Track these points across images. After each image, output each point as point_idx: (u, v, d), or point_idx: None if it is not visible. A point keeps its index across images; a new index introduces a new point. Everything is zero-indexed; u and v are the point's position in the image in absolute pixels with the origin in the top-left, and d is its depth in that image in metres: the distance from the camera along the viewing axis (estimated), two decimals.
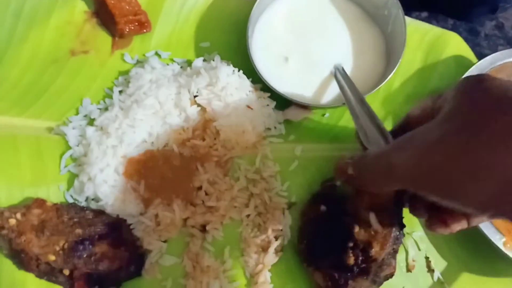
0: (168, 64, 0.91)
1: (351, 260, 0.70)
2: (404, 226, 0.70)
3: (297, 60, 0.89)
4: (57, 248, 0.71)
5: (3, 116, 0.81)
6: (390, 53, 0.90)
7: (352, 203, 0.72)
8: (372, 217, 0.70)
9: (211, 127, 0.85)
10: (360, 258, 0.70)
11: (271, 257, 0.78)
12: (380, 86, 0.84)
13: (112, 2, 0.89)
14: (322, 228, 0.75)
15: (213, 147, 0.85)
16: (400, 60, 0.84)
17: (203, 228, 0.81)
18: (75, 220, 0.74)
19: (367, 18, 0.93)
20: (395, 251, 0.71)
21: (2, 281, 0.71)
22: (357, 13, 0.93)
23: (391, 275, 0.72)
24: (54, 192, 0.78)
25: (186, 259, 0.78)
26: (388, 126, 0.88)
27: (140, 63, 0.92)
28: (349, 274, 0.71)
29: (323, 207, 0.76)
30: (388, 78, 0.84)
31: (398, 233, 0.70)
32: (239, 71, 0.87)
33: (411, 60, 0.93)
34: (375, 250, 0.69)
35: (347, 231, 0.71)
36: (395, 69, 0.84)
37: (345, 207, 0.73)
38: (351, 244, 0.70)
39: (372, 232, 0.70)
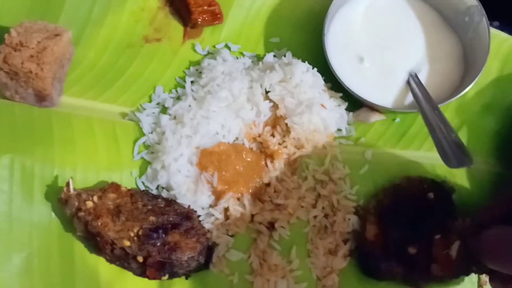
0: (238, 58, 0.91)
1: (412, 251, 0.72)
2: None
3: (373, 62, 0.87)
4: (132, 234, 0.70)
5: (79, 98, 0.81)
6: (468, 62, 0.88)
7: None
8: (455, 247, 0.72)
9: (282, 123, 0.84)
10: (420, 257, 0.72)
11: (340, 261, 0.77)
12: (458, 96, 0.82)
13: None
14: (413, 211, 0.75)
15: (282, 144, 0.84)
16: (482, 70, 0.83)
17: (270, 226, 0.80)
18: (149, 207, 0.74)
19: (445, 24, 0.91)
20: None
21: (76, 263, 0.71)
22: (435, 18, 0.91)
23: None
24: (126, 178, 0.78)
25: (253, 255, 0.77)
26: (463, 136, 0.87)
27: (210, 54, 0.91)
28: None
29: (431, 194, 0.76)
30: (469, 87, 0.83)
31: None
32: (313, 68, 0.86)
33: (487, 69, 0.90)
34: (436, 268, 0.72)
35: (430, 232, 0.73)
36: (477, 78, 0.83)
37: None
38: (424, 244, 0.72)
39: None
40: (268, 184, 0.82)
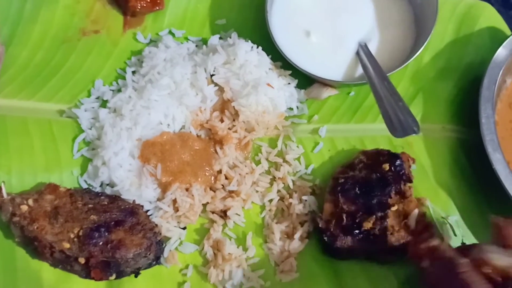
0: (182, 43, 0.87)
1: (367, 225, 0.69)
2: None
3: (320, 35, 0.83)
4: (72, 236, 0.67)
5: (12, 100, 0.78)
6: (419, 26, 0.83)
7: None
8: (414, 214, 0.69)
9: (230, 107, 0.80)
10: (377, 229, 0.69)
11: (297, 244, 0.73)
12: (409, 61, 0.79)
13: None
14: (366, 183, 0.72)
15: (232, 129, 0.80)
16: (431, 33, 0.79)
17: (224, 214, 0.76)
18: (90, 206, 0.70)
19: None
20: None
21: (18, 270, 0.68)
22: None
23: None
24: (67, 178, 0.75)
25: (207, 246, 0.73)
26: (419, 104, 0.83)
27: (153, 42, 0.87)
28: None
29: (386, 165, 0.73)
30: (418, 52, 0.79)
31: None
32: (258, 47, 0.82)
33: (442, 33, 0.87)
34: (396, 236, 0.69)
35: (384, 204, 0.70)
36: (426, 42, 0.79)
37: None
38: (380, 214, 0.70)
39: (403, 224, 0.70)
40: (219, 172, 0.78)
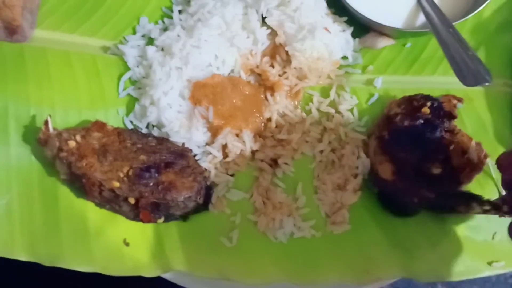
0: None
1: (437, 171, 0.65)
2: None
3: None
4: (121, 175, 0.64)
5: (54, 32, 0.73)
6: None
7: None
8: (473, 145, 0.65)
9: (281, 53, 0.76)
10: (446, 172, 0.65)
11: (350, 196, 0.71)
12: (473, 13, 0.74)
13: None
14: (415, 131, 0.68)
15: (283, 75, 0.77)
16: None
17: (273, 163, 0.73)
18: (139, 146, 0.67)
19: None
20: None
21: (60, 209, 0.65)
22: None
23: None
24: (112, 117, 0.71)
25: (256, 194, 0.71)
26: (481, 57, 0.79)
27: None
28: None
29: (426, 109, 0.68)
30: (483, 6, 0.74)
31: None
32: None
33: None
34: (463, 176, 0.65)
35: (442, 145, 0.66)
36: None
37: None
38: (441, 158, 0.65)
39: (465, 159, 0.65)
40: (269, 119, 0.75)
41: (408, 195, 0.67)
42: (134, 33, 0.76)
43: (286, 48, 0.75)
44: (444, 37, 0.71)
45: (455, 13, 0.77)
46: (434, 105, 0.69)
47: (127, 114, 0.72)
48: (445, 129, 0.68)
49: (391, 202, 0.70)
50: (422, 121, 0.68)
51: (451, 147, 0.66)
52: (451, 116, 0.69)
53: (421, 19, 0.77)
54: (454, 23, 0.73)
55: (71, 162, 0.63)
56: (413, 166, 0.67)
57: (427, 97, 0.70)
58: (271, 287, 0.66)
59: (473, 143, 0.66)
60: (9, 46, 0.69)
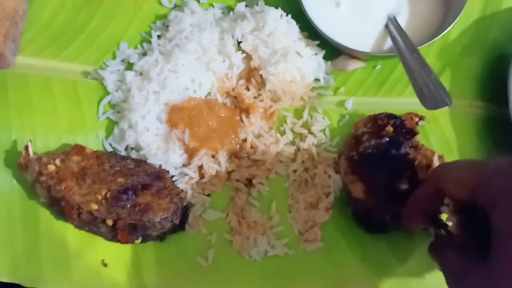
0: (207, 9, 0.85)
1: (404, 186, 0.68)
2: None
3: (350, 6, 0.82)
4: (99, 197, 0.66)
5: (36, 58, 0.76)
6: (449, 2, 0.83)
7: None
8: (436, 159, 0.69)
9: (256, 76, 0.79)
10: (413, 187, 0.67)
11: (322, 214, 0.73)
12: (440, 35, 0.78)
13: None
14: (381, 150, 0.71)
15: (258, 98, 0.80)
16: (463, 10, 0.78)
17: (248, 183, 0.76)
18: (117, 168, 0.69)
19: None
20: None
21: (41, 232, 0.67)
22: None
23: None
24: (92, 140, 0.73)
25: (232, 213, 0.73)
26: (446, 79, 0.83)
27: (178, 7, 0.85)
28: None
29: (389, 128, 0.72)
30: (449, 27, 0.78)
31: None
32: (287, 15, 0.81)
33: (469, 9, 0.85)
34: None
35: (407, 161, 0.70)
36: (456, 20, 0.78)
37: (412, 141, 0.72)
38: (408, 174, 0.69)
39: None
40: (244, 140, 0.78)
41: (380, 212, 0.70)
42: (114, 58, 0.79)
43: (260, 72, 0.78)
44: (409, 61, 0.74)
45: (422, 37, 0.81)
46: (397, 123, 0.73)
47: (107, 137, 0.74)
48: (409, 145, 0.71)
49: (365, 220, 0.73)
50: (387, 139, 0.72)
51: (416, 162, 0.70)
52: (413, 133, 0.72)
53: (389, 43, 0.80)
54: (420, 47, 0.77)
55: (51, 185, 0.66)
56: (383, 184, 0.70)
57: (390, 115, 0.74)
58: None
59: (435, 156, 0.69)
60: None
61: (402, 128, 0.72)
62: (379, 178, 0.71)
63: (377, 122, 0.74)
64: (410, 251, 0.71)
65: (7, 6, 0.69)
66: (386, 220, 0.70)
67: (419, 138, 0.73)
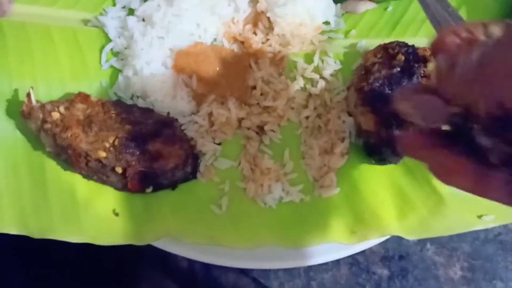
0: None
1: None
2: None
3: None
4: (107, 145, 0.64)
5: (33, 6, 0.72)
6: None
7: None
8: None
9: (264, 20, 0.76)
10: None
11: (337, 159, 0.71)
12: None
13: None
14: (392, 79, 0.68)
15: (266, 42, 0.77)
16: None
17: (260, 130, 0.74)
18: (123, 116, 0.67)
19: None
20: None
21: (48, 182, 0.65)
22: None
23: None
24: (96, 89, 0.70)
25: (244, 161, 0.71)
26: (462, 15, 0.79)
27: None
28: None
29: (401, 56, 0.69)
30: None
31: None
32: None
33: None
34: None
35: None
36: None
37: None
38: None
39: None
40: (254, 87, 0.75)
41: (392, 143, 0.67)
42: (114, 4, 0.75)
43: (268, 14, 0.75)
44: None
45: None
46: (409, 51, 0.69)
47: (111, 86, 0.71)
48: (422, 74, 0.68)
49: (376, 152, 0.71)
50: (399, 69, 0.69)
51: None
52: (426, 60, 0.69)
53: None
54: None
55: (56, 133, 0.63)
56: (394, 114, 0.68)
57: (401, 44, 0.71)
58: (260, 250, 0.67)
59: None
60: None
61: (414, 56, 0.69)
62: (390, 109, 0.68)
63: (388, 51, 0.70)
64: (431, 191, 0.70)
65: None
66: (399, 151, 0.67)
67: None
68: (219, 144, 0.72)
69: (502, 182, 0.35)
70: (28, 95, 0.63)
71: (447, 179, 0.38)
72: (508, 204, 0.35)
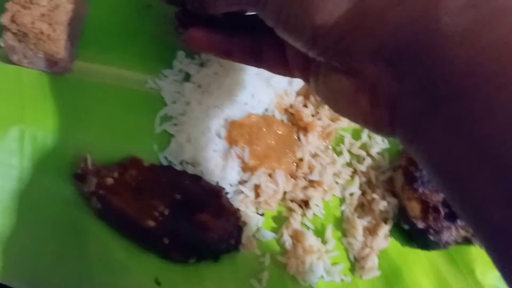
0: None
1: None
2: None
3: None
4: (156, 214, 0.64)
5: (93, 64, 0.73)
6: None
7: None
8: None
9: (314, 93, 0.77)
10: None
11: (380, 241, 0.71)
12: None
13: None
14: None
15: (316, 115, 0.77)
16: None
17: (303, 203, 0.74)
18: (174, 184, 0.67)
19: None
20: None
21: (91, 246, 0.65)
22: None
23: None
24: (147, 152, 0.71)
25: (286, 235, 0.71)
26: None
27: None
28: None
29: None
30: None
31: None
32: None
33: None
34: None
35: None
36: None
37: None
38: None
39: None
40: (301, 159, 0.75)
41: (440, 232, 0.67)
42: (172, 67, 0.76)
43: None
44: None
45: None
46: None
47: (162, 150, 0.72)
48: None
49: (421, 238, 0.70)
50: None
51: None
52: None
53: None
54: None
55: (108, 199, 0.64)
56: (442, 202, 0.68)
57: None
58: None
59: None
60: (49, 77, 0.69)
61: None
62: (437, 196, 0.68)
63: None
64: None
65: (70, 10, 0.67)
66: (446, 241, 0.67)
67: None
68: (262, 215, 0.72)
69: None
70: (85, 159, 0.64)
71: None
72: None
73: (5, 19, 0.63)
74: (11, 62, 0.68)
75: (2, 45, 0.66)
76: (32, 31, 0.64)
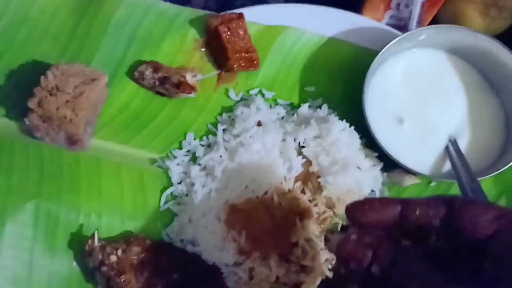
0: (271, 106, 0.89)
1: None
2: None
3: (412, 124, 0.84)
4: None
5: (108, 142, 0.80)
6: (510, 130, 0.84)
7: None
8: None
9: (313, 180, 0.81)
10: None
11: None
12: (503, 169, 0.79)
13: (227, 36, 0.86)
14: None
15: (312, 201, 0.81)
16: None
17: (295, 287, 0.77)
18: (173, 263, 0.71)
19: (488, 87, 0.88)
20: None
21: None
22: (478, 80, 0.88)
23: None
24: (151, 228, 0.76)
25: None
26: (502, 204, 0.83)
27: (244, 100, 0.89)
28: None
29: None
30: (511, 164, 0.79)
31: None
32: (350, 127, 0.83)
33: None
34: None
35: None
36: None
37: None
38: None
39: None
40: (295, 244, 0.79)
41: None
42: (181, 147, 0.82)
43: (319, 180, 0.80)
44: (468, 191, 0.75)
45: (481, 163, 0.82)
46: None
47: (165, 227, 0.76)
48: None
49: None
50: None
51: None
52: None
53: (447, 166, 0.82)
54: (480, 178, 0.78)
55: (110, 276, 0.68)
56: None
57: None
58: None
59: None
60: (67, 154, 0.75)
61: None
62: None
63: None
64: None
65: (92, 97, 0.73)
66: None
67: None
68: None
69: None
70: (93, 236, 0.69)
71: None
72: None
73: (33, 104, 0.70)
74: (33, 137, 0.75)
75: (28, 123, 0.72)
76: (56, 115, 0.70)
